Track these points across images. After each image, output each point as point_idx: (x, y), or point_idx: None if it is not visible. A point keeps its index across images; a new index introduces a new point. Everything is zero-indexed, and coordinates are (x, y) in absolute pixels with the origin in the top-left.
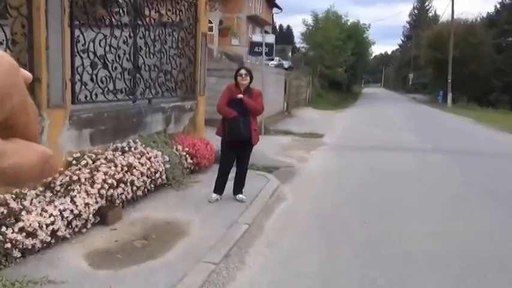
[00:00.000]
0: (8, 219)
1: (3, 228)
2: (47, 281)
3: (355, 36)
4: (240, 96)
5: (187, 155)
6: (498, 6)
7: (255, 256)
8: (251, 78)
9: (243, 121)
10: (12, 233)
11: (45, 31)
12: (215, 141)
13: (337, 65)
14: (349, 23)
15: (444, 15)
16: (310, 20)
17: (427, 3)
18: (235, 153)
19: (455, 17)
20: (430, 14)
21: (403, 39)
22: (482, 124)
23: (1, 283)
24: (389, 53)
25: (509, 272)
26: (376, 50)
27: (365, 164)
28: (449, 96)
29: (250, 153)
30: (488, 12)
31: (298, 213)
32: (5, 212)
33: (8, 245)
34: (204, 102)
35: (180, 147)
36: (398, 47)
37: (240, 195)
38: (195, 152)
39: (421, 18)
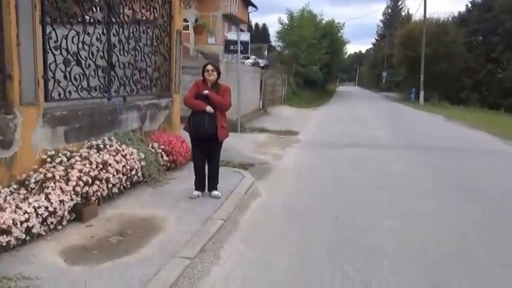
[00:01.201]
0: None
1: None
2: (22, 277)
3: (329, 35)
4: (206, 92)
5: (163, 153)
6: (469, 5)
7: (230, 251)
8: (218, 74)
9: (208, 117)
10: None
11: (15, 28)
12: None
13: (312, 64)
14: (323, 22)
15: (417, 14)
16: (285, 19)
17: (400, 3)
18: (204, 149)
19: (427, 16)
20: (403, 13)
21: (377, 38)
22: (453, 121)
23: None
24: (363, 51)
25: (474, 265)
26: (351, 48)
27: (339, 160)
28: (422, 94)
29: (220, 150)
30: (459, 12)
31: (272, 209)
32: None
33: None
34: (180, 99)
35: (155, 145)
36: (372, 45)
37: (215, 192)
38: (171, 149)
39: (394, 17)
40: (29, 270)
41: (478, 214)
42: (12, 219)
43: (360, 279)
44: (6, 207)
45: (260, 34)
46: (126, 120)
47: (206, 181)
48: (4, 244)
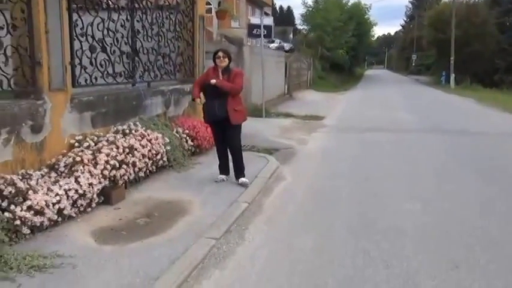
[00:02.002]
0: (16, 198)
1: (12, 207)
2: (56, 255)
3: (356, 17)
4: (213, 81)
5: (187, 137)
6: None
7: (254, 232)
8: (229, 59)
9: (218, 102)
10: (21, 211)
11: (44, 15)
12: None
13: (338, 47)
14: (349, 4)
15: None
16: (310, 1)
17: None
18: (222, 134)
19: None
20: None
21: (405, 19)
22: (484, 105)
23: (13, 257)
24: (392, 34)
25: (494, 244)
26: (379, 31)
27: (364, 145)
28: (452, 77)
29: (237, 133)
30: None
31: (296, 192)
32: (13, 191)
33: (18, 222)
34: None
35: (180, 130)
36: (401, 27)
37: (242, 179)
38: (196, 134)
39: None
40: (62, 249)
41: (499, 197)
42: (45, 201)
43: (382, 258)
44: (39, 190)
45: (285, 17)
46: (151, 106)
47: (228, 165)
48: (38, 224)
